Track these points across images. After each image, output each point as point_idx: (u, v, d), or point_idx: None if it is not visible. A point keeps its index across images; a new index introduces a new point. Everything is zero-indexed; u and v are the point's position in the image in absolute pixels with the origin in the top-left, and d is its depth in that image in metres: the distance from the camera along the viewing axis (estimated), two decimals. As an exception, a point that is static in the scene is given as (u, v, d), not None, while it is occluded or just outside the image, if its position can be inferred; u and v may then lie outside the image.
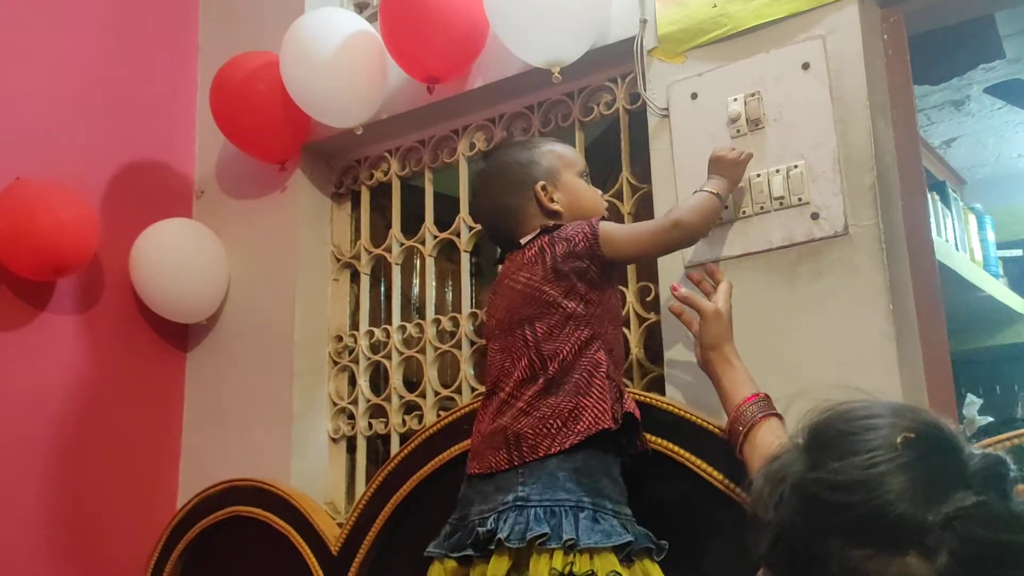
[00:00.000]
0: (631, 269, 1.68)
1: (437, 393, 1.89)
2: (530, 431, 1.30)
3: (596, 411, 1.30)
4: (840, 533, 0.63)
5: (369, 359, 2.04)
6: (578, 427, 1.29)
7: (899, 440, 0.65)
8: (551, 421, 1.30)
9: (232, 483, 1.92)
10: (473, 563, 1.31)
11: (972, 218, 2.98)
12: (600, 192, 1.50)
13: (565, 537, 1.22)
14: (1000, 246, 3.02)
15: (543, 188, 1.41)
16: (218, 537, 1.94)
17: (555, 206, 1.41)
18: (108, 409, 2.06)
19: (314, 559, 1.75)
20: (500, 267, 1.47)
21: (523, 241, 1.40)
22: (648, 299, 1.65)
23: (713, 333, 1.33)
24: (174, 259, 2.10)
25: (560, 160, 1.45)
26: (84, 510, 1.99)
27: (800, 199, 1.42)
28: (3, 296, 1.92)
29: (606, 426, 1.29)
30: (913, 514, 0.61)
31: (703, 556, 1.37)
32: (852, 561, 0.63)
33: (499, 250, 1.48)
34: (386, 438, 1.98)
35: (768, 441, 1.18)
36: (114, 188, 2.15)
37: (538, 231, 1.39)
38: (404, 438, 1.89)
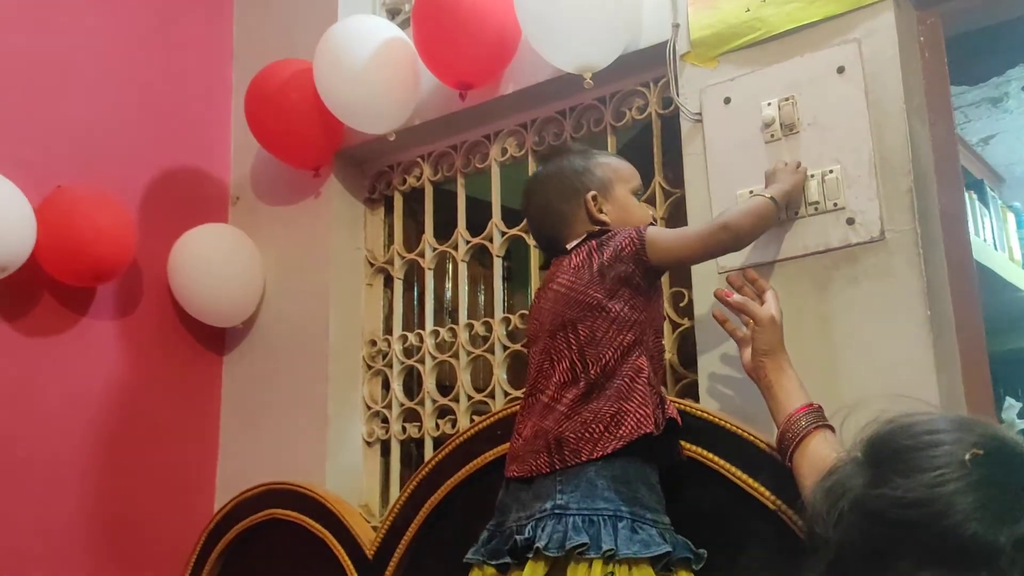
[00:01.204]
0: (665, 275, 1.67)
1: (470, 397, 1.90)
2: (572, 435, 1.31)
3: (638, 416, 1.29)
4: (907, 554, 0.62)
5: (403, 363, 2.05)
6: (620, 432, 1.29)
7: (968, 457, 0.63)
8: (593, 426, 1.30)
9: (269, 486, 1.94)
10: (510, 570, 1.31)
11: (1011, 216, 2.93)
12: (651, 210, 1.51)
13: (604, 547, 1.22)
14: (1040, 245, 2.97)
15: (594, 198, 1.42)
16: (255, 539, 1.96)
17: (603, 216, 1.42)
18: (147, 412, 2.09)
19: (350, 562, 1.76)
20: (546, 272, 1.48)
21: (569, 246, 1.41)
22: (681, 304, 1.64)
23: (768, 340, 1.31)
24: (210, 264, 2.13)
25: (615, 174, 1.45)
26: (123, 512, 2.02)
27: (836, 204, 1.41)
28: (46, 302, 1.96)
29: (648, 431, 1.29)
30: (984, 535, 0.60)
31: (737, 564, 1.36)
32: None
33: (545, 256, 1.49)
34: (420, 442, 2.00)
35: (822, 453, 1.14)
36: (151, 194, 2.18)
37: (584, 236, 1.41)
38: (438, 442, 1.90)
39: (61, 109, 2.03)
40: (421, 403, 2.00)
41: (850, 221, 1.39)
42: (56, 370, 1.96)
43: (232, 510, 1.98)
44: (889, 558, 0.63)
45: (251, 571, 1.96)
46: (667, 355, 1.64)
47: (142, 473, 2.07)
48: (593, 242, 1.38)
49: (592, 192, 1.42)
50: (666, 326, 1.65)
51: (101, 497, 1.99)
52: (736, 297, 1.37)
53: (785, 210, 1.43)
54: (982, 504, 0.61)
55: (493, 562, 1.33)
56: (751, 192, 1.46)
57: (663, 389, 1.39)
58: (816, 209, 1.42)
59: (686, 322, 1.62)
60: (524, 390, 1.43)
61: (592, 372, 1.32)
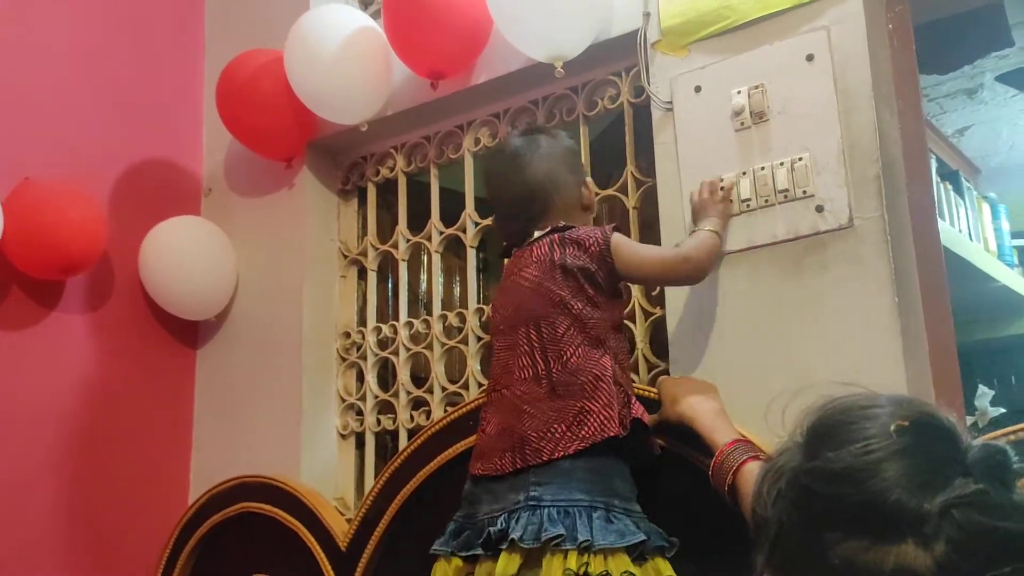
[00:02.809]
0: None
1: (444, 389, 1.90)
2: (534, 434, 1.30)
3: (602, 417, 1.29)
4: (836, 524, 0.63)
5: (377, 355, 2.04)
6: (583, 432, 1.29)
7: (893, 428, 0.63)
8: (555, 426, 1.30)
9: (242, 479, 1.93)
10: (479, 561, 1.31)
11: (986, 207, 2.95)
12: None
13: (580, 538, 1.22)
14: (1015, 235, 2.99)
15: (586, 184, 1.47)
16: (229, 533, 1.95)
17: (592, 203, 1.47)
18: (119, 406, 2.08)
19: (323, 555, 1.76)
20: (506, 261, 1.47)
21: (536, 234, 1.41)
22: (654, 293, 1.64)
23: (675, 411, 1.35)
24: (183, 257, 2.11)
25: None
26: (96, 506, 2.01)
27: (805, 192, 1.41)
28: (13, 295, 1.94)
29: (612, 433, 1.28)
30: (909, 502, 0.60)
31: (712, 552, 1.36)
32: (849, 552, 0.62)
33: (504, 244, 1.48)
34: (394, 434, 1.99)
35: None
36: (122, 187, 2.16)
37: (548, 230, 1.40)
38: (412, 433, 1.89)
39: (29, 99, 2.00)
40: (396, 395, 1.99)
41: (819, 208, 1.40)
42: (25, 364, 1.94)
43: (205, 504, 1.97)
44: (820, 530, 0.64)
45: (225, 565, 1.94)
46: (639, 344, 1.64)
47: (115, 468, 2.05)
48: (556, 236, 1.38)
49: (588, 177, 1.44)
50: (638, 315, 1.65)
51: (73, 492, 1.98)
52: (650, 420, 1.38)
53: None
54: (906, 472, 0.61)
55: (463, 553, 1.32)
56: (694, 229, 1.44)
57: (631, 388, 1.38)
58: (786, 197, 1.42)
59: (658, 311, 1.62)
60: (489, 383, 1.43)
61: (554, 370, 1.32)
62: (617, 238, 1.36)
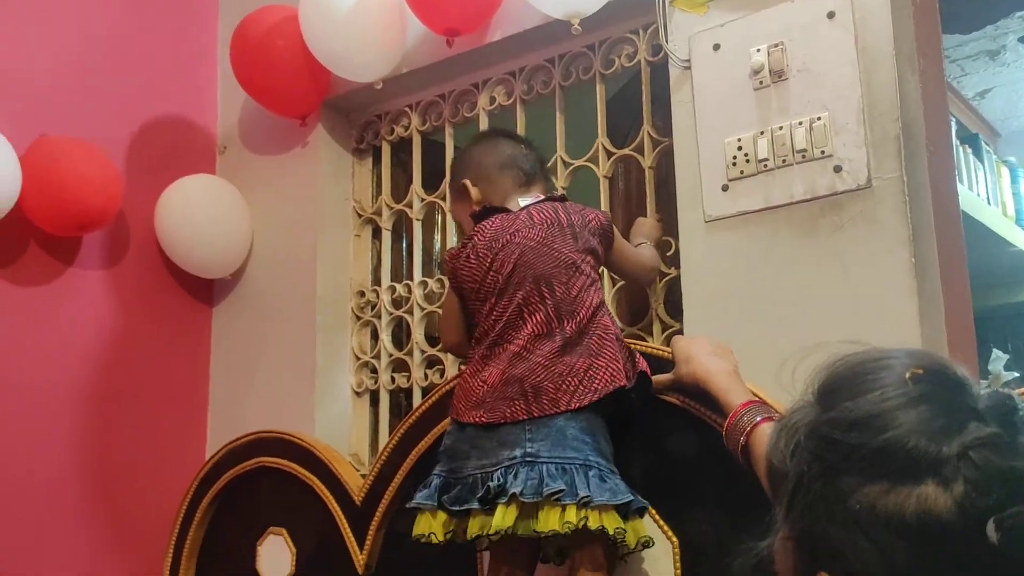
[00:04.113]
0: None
1: (458, 347, 1.90)
2: (551, 386, 1.33)
3: (611, 371, 1.34)
4: (856, 471, 0.64)
5: (391, 314, 2.05)
6: (594, 385, 1.33)
7: (908, 376, 0.65)
8: (569, 379, 1.33)
9: (258, 435, 1.95)
10: (472, 515, 1.34)
11: (1005, 171, 2.92)
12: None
13: (581, 494, 1.26)
14: (1033, 200, 2.96)
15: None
16: (245, 487, 1.98)
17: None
18: (136, 363, 2.10)
19: (338, 509, 1.78)
20: (481, 224, 1.45)
21: (522, 203, 1.45)
22: (669, 254, 1.64)
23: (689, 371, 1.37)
24: (198, 215, 2.12)
25: None
26: (114, 462, 2.03)
27: (823, 152, 1.40)
28: (31, 252, 1.95)
29: (621, 384, 1.33)
30: (928, 446, 0.62)
31: (724, 511, 1.38)
32: (869, 497, 0.63)
33: (478, 209, 1.48)
34: (408, 392, 2.01)
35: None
36: (137, 145, 2.16)
37: (543, 197, 1.47)
38: (426, 392, 1.91)
39: (44, 57, 2.00)
40: (410, 353, 2.00)
41: (837, 169, 1.39)
42: (43, 320, 1.96)
43: (222, 458, 1.99)
44: (840, 478, 0.65)
45: (241, 518, 1.97)
46: (653, 304, 1.65)
47: (133, 424, 2.07)
48: (557, 204, 1.44)
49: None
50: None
51: (92, 446, 2.00)
52: (659, 380, 1.42)
53: None
54: (923, 418, 0.63)
55: (455, 508, 1.35)
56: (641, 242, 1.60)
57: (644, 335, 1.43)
58: (803, 157, 1.41)
59: (673, 271, 1.62)
60: (480, 336, 1.43)
61: (568, 329, 1.36)
62: (612, 225, 1.47)
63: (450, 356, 1.91)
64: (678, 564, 1.40)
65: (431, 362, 1.97)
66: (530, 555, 1.41)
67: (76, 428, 1.99)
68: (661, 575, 1.42)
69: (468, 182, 1.51)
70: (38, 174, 1.84)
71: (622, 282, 1.71)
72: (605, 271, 1.64)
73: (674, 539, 1.41)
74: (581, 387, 1.33)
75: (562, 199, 1.48)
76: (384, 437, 2.00)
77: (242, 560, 1.93)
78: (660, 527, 1.40)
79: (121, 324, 2.09)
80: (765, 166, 1.45)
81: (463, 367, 1.51)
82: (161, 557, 2.03)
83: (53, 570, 1.86)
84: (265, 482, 1.94)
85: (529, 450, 1.31)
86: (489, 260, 1.42)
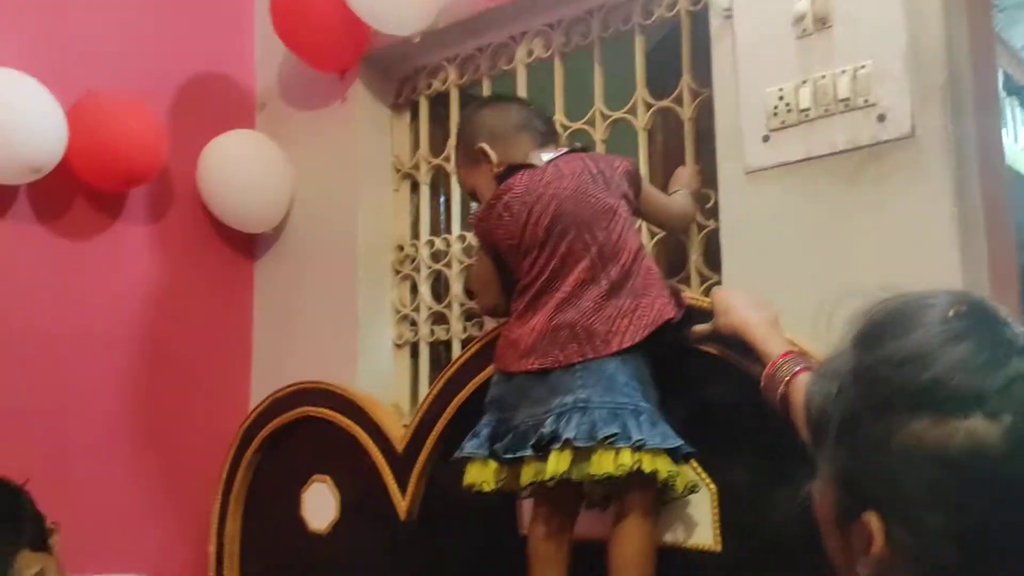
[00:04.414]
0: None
1: (496, 300, 1.92)
2: (602, 328, 1.36)
3: (658, 306, 1.38)
4: (903, 407, 0.64)
5: (430, 268, 2.08)
6: (644, 322, 1.37)
7: (951, 313, 0.66)
8: (619, 320, 1.37)
9: (302, 385, 2.00)
10: (525, 462, 1.36)
11: (1051, 124, 2.86)
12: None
13: (635, 437, 1.28)
14: (1081, 153, 2.89)
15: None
16: (289, 436, 2.03)
17: None
18: (182, 315, 2.14)
19: (381, 457, 1.82)
20: (508, 182, 1.47)
21: (545, 157, 1.47)
22: (707, 206, 1.64)
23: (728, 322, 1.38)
24: (239, 170, 2.15)
25: None
26: (163, 411, 2.09)
27: (866, 101, 1.38)
28: (78, 206, 1.99)
29: (670, 316, 1.38)
30: (973, 380, 0.63)
31: (761, 460, 1.40)
32: (916, 433, 0.64)
33: (502, 168, 1.49)
34: (448, 344, 2.04)
35: None
36: (178, 101, 2.18)
37: (566, 150, 1.50)
38: (465, 344, 1.93)
39: (88, 13, 2.02)
40: (448, 306, 2.03)
41: (880, 118, 1.37)
42: (90, 274, 2.00)
43: (267, 408, 2.04)
44: (885, 416, 0.65)
45: (286, 467, 2.03)
46: (692, 257, 1.65)
47: (180, 373, 2.13)
48: (583, 154, 1.48)
49: None
50: (691, 228, 1.66)
51: (141, 396, 2.06)
52: (698, 330, 1.43)
53: None
54: (968, 354, 0.64)
55: (508, 456, 1.38)
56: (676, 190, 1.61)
57: (681, 288, 1.48)
58: (846, 106, 1.40)
59: (712, 223, 1.62)
60: (521, 291, 1.45)
61: (612, 273, 1.39)
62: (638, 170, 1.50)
63: (488, 309, 1.93)
64: (716, 510, 1.42)
65: (470, 315, 1.99)
66: (574, 502, 1.44)
67: (126, 379, 2.04)
68: (699, 522, 1.44)
69: (485, 146, 1.51)
70: (84, 130, 1.87)
71: (659, 235, 1.72)
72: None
73: (712, 486, 1.43)
74: (632, 326, 1.36)
75: (584, 149, 1.52)
76: (424, 389, 2.04)
77: (287, 506, 1.99)
78: (699, 474, 1.42)
79: (166, 277, 2.13)
80: (807, 116, 1.44)
81: (505, 321, 1.53)
82: (210, 503, 2.09)
83: (106, 516, 1.92)
84: (309, 431, 1.99)
85: (580, 396, 1.33)
86: (525, 215, 1.43)
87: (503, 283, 1.54)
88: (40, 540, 1.54)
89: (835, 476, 0.72)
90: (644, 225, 1.72)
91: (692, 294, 1.54)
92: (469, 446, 1.44)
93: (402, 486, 1.78)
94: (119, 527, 1.96)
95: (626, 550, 1.35)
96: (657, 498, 1.38)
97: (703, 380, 1.44)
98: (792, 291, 1.41)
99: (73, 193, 1.98)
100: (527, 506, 1.54)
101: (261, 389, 2.16)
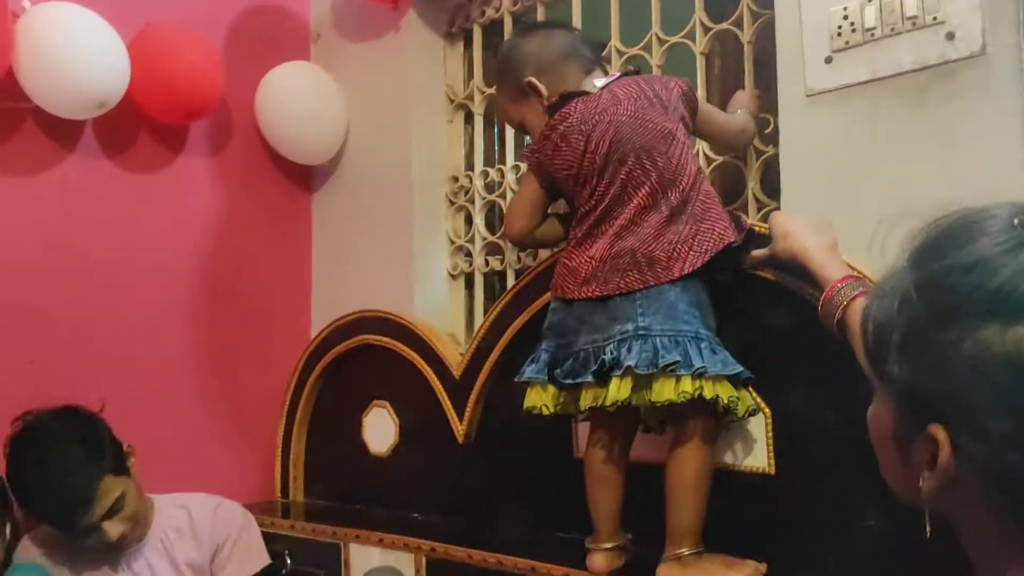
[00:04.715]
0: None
1: (551, 230, 1.93)
2: (662, 254, 1.36)
3: (718, 231, 1.38)
4: (971, 314, 0.64)
5: (484, 198, 2.09)
6: (705, 247, 1.36)
7: (1016, 221, 0.65)
8: (679, 246, 1.36)
9: (361, 314, 2.05)
10: (583, 388, 1.38)
11: None
12: None
13: (696, 365, 1.29)
14: None
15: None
16: (349, 364, 2.09)
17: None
18: (243, 247, 2.19)
19: (438, 382, 1.87)
20: (562, 111, 1.45)
21: (598, 84, 1.46)
22: (767, 131, 1.61)
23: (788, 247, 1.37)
24: (295, 102, 2.17)
25: None
26: (226, 341, 2.15)
27: (935, 18, 1.34)
28: (142, 140, 2.04)
29: (730, 240, 1.37)
30: None
31: (810, 381, 1.40)
32: (986, 339, 0.63)
33: (554, 99, 1.48)
34: (502, 274, 2.06)
35: None
36: (234, 33, 2.20)
37: (619, 74, 1.48)
38: (519, 274, 1.95)
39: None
40: (503, 237, 2.04)
41: (949, 36, 1.33)
42: (154, 207, 2.05)
43: (328, 336, 2.10)
44: (952, 323, 0.65)
45: (347, 393, 2.09)
46: (750, 184, 1.63)
47: (241, 304, 2.18)
48: (636, 78, 1.46)
49: None
50: (750, 154, 1.64)
51: (203, 328, 2.12)
52: (755, 255, 1.43)
53: None
54: None
55: (568, 381, 1.40)
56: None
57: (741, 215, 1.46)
58: (914, 24, 1.36)
59: (771, 149, 1.59)
60: (580, 220, 1.45)
61: (672, 198, 1.38)
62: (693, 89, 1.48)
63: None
64: (770, 435, 1.44)
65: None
66: (630, 426, 1.47)
67: (190, 309, 2.10)
68: (754, 445, 1.46)
69: (533, 79, 1.50)
70: (146, 63, 1.90)
71: (716, 162, 1.70)
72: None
73: (767, 410, 1.44)
74: (692, 252, 1.36)
75: (637, 72, 1.50)
76: (479, 318, 2.07)
77: (349, 431, 2.05)
78: (754, 399, 1.43)
79: (227, 210, 2.18)
80: (872, 35, 1.40)
81: (563, 248, 1.53)
82: (274, 427, 2.17)
83: (176, 441, 2.00)
84: (368, 358, 2.04)
85: (641, 324, 1.34)
86: (583, 143, 1.43)
87: (543, 213, 1.55)
88: (119, 464, 1.62)
89: (897, 393, 0.71)
90: (701, 151, 1.70)
91: (750, 220, 1.52)
92: (529, 371, 1.46)
93: (459, 411, 1.83)
94: (189, 450, 2.03)
95: (684, 474, 1.37)
96: (715, 423, 1.39)
97: (760, 305, 1.45)
98: (853, 217, 1.39)
99: (136, 127, 2.02)
100: (583, 430, 1.57)
101: (321, 318, 2.22)
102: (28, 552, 1.65)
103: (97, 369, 1.91)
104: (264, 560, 1.81)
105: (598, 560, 1.43)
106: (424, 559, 1.66)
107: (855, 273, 1.28)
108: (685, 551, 1.36)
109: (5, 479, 1.57)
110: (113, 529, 1.59)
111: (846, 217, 1.39)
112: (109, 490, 1.57)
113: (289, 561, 1.85)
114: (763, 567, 1.37)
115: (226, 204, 2.18)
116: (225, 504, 1.82)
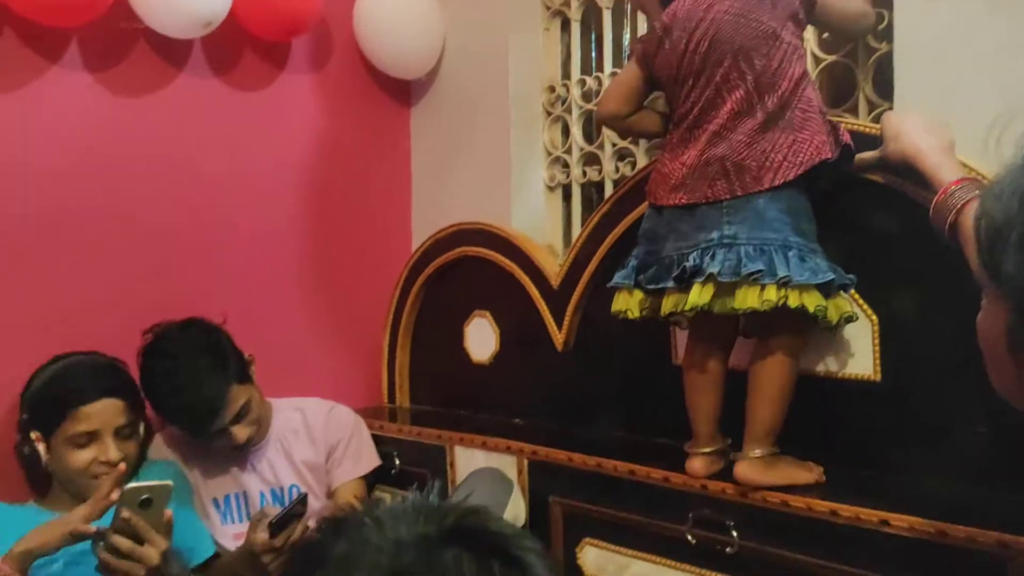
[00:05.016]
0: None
1: (649, 141, 1.90)
2: (753, 163, 1.33)
3: (815, 143, 1.32)
4: None
5: (581, 108, 2.06)
6: (799, 159, 1.32)
7: None
8: (772, 155, 1.32)
9: (460, 226, 2.08)
10: (667, 293, 1.39)
11: None
12: None
13: (780, 274, 1.28)
14: None
15: None
16: (450, 275, 2.13)
17: None
18: (344, 161, 2.24)
19: (537, 292, 1.90)
20: (671, 7, 1.42)
21: None
22: (881, 27, 1.53)
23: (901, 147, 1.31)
24: (392, 16, 2.18)
25: None
26: (331, 254, 2.23)
27: None
28: (246, 58, 2.08)
29: (826, 156, 1.32)
30: None
31: (919, 286, 1.37)
32: None
33: None
34: (599, 185, 2.05)
35: None
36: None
37: None
38: (617, 184, 1.94)
39: None
40: (600, 147, 2.02)
41: (1088, -86, 1.23)
42: (259, 123, 2.11)
43: (429, 248, 2.15)
44: None
45: (448, 303, 2.14)
46: (861, 82, 1.57)
47: (344, 218, 2.25)
48: None
49: None
50: (861, 51, 1.57)
51: (309, 242, 2.19)
52: (864, 158, 1.37)
53: None
54: None
55: (651, 286, 1.41)
56: None
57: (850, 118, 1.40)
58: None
59: (884, 46, 1.52)
60: (677, 122, 1.43)
61: (769, 103, 1.34)
62: None
63: (641, 147, 1.92)
64: (877, 341, 1.41)
65: (622, 155, 1.99)
66: (729, 332, 1.46)
67: (295, 223, 2.17)
68: (859, 352, 1.44)
69: None
70: (247, -20, 1.94)
71: (825, 62, 1.63)
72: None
73: (873, 316, 1.41)
74: (785, 163, 1.32)
75: None
76: (576, 230, 2.07)
77: (451, 340, 2.11)
78: (860, 305, 1.41)
79: (329, 125, 2.23)
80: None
81: (660, 153, 1.52)
82: (379, 337, 2.25)
83: (288, 350, 2.10)
84: (469, 269, 2.08)
85: (727, 232, 1.33)
86: (684, 43, 1.39)
87: (639, 101, 1.53)
88: (243, 373, 1.72)
89: (1013, 295, 0.70)
90: (809, 51, 1.63)
91: (860, 121, 1.47)
92: (617, 276, 1.49)
93: (558, 320, 1.86)
94: (301, 359, 2.14)
95: (766, 379, 1.38)
96: (802, 331, 1.38)
97: (867, 209, 1.41)
98: (970, 117, 1.32)
99: (241, 45, 2.07)
100: (682, 336, 1.58)
101: (421, 230, 2.27)
102: (161, 450, 1.79)
103: (215, 281, 2.01)
104: (375, 461, 1.91)
105: (697, 464, 1.45)
106: (526, 461, 1.72)
107: (971, 175, 1.23)
108: (762, 452, 1.38)
109: (140, 385, 1.69)
110: (240, 432, 1.70)
111: (963, 117, 1.32)
112: (236, 398, 1.67)
113: (397, 462, 1.94)
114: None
115: (327, 120, 2.22)
116: (338, 408, 1.92)
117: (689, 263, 1.34)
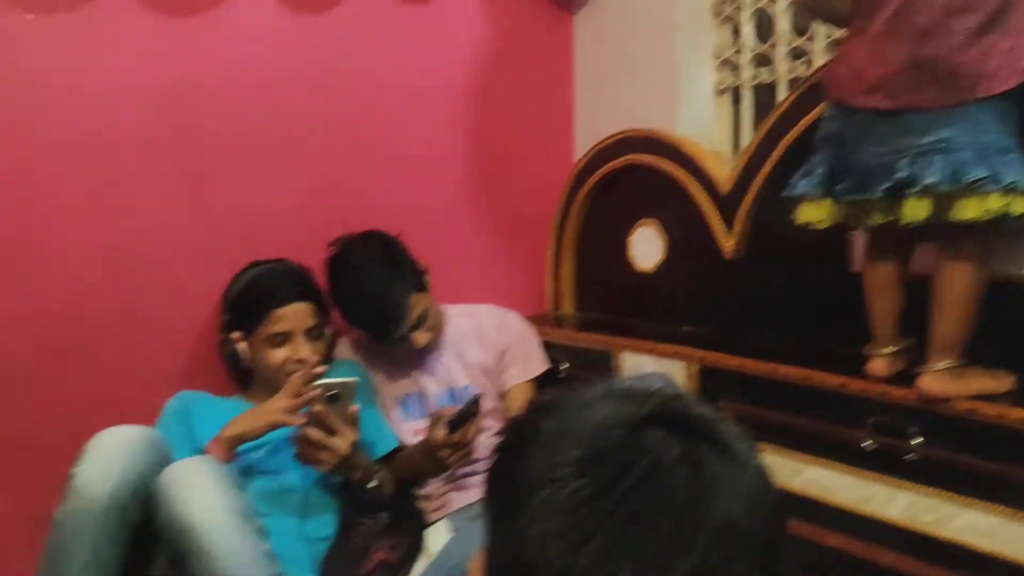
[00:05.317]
0: None
1: (829, 35, 1.81)
2: (971, 68, 1.21)
3: None
4: None
5: (754, 6, 1.98)
6: (1020, 66, 1.20)
7: None
8: (990, 60, 1.21)
9: (625, 134, 2.06)
10: (871, 204, 1.31)
11: None
12: None
13: (1007, 180, 1.18)
14: None
15: None
16: (615, 184, 2.13)
17: None
18: (506, 70, 2.24)
19: (706, 198, 1.87)
20: None
21: None
22: None
23: None
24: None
25: None
26: (494, 164, 2.25)
27: None
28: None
29: None
30: None
31: None
32: None
33: None
34: (771, 87, 1.97)
35: None
36: None
37: None
38: (792, 86, 1.86)
39: None
40: (773, 46, 1.94)
41: None
42: (425, 33, 2.12)
43: (593, 157, 2.15)
44: None
45: (614, 212, 2.14)
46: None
47: (507, 126, 2.25)
48: None
49: None
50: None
51: (474, 153, 2.22)
52: None
53: None
54: None
55: (851, 197, 1.33)
56: None
57: None
58: None
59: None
60: (873, 8, 1.30)
61: (991, 1, 1.21)
62: None
63: (819, 45, 1.82)
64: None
65: (797, 54, 1.90)
66: (912, 236, 1.39)
67: (459, 133, 2.20)
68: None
69: None
70: None
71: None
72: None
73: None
74: (1003, 69, 1.20)
75: None
76: (746, 135, 2.02)
77: (615, 249, 2.12)
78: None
79: (492, 36, 2.22)
80: None
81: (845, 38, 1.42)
82: (544, 246, 2.29)
83: (456, 259, 2.15)
84: (633, 178, 2.07)
85: (942, 136, 1.23)
86: None
87: None
88: (420, 282, 1.80)
89: None
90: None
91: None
92: (802, 185, 1.41)
93: (728, 225, 1.83)
94: (469, 268, 2.21)
95: (954, 288, 1.30)
96: (993, 237, 1.29)
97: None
98: None
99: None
100: (859, 242, 1.52)
101: (584, 139, 2.26)
102: (345, 353, 1.92)
103: (387, 194, 2.08)
104: (544, 364, 1.97)
105: (878, 364, 1.41)
106: (697, 367, 1.72)
107: None
108: (949, 363, 1.32)
109: (328, 293, 1.80)
110: (420, 338, 1.79)
111: None
112: (415, 305, 1.76)
113: (566, 365, 1.99)
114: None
115: (492, 30, 2.22)
116: (508, 314, 1.98)
117: (901, 173, 1.25)
